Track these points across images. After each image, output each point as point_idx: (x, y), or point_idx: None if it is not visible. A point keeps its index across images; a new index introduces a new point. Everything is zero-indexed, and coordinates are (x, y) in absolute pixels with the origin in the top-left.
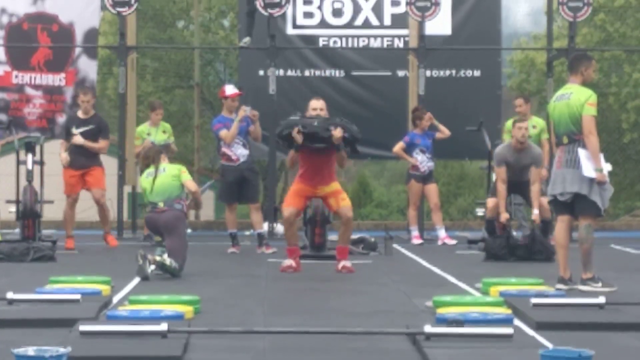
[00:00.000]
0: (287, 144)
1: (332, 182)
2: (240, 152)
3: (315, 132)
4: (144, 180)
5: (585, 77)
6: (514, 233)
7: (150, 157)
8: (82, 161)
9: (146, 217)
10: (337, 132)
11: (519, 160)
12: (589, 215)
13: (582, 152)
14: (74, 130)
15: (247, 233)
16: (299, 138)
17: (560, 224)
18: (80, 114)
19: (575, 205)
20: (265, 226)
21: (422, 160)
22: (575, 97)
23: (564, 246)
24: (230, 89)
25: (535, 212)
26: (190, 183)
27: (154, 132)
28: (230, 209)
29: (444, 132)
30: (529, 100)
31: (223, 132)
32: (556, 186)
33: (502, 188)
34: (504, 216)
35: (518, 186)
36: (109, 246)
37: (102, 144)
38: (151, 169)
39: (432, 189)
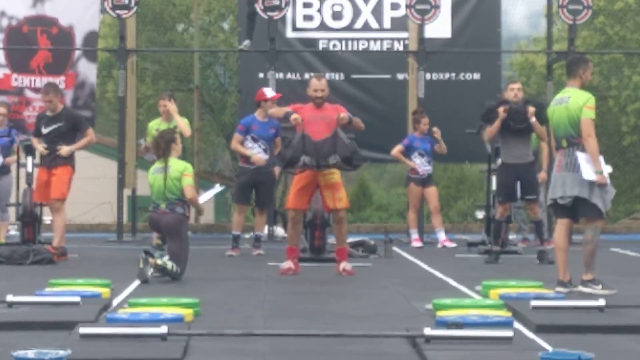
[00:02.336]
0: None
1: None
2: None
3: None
4: (151, 176)
5: (584, 80)
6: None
7: (161, 149)
8: (47, 160)
9: (148, 217)
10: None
11: (517, 114)
12: (591, 218)
13: (581, 156)
14: (43, 130)
15: (247, 236)
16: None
17: (560, 227)
18: (48, 112)
19: (576, 209)
20: (265, 229)
21: (421, 164)
22: (573, 100)
23: (564, 249)
24: (270, 92)
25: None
26: (188, 190)
27: (164, 127)
28: (239, 210)
29: (441, 148)
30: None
31: (237, 137)
32: (556, 190)
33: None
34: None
35: (520, 170)
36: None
37: (87, 137)
38: (159, 164)
39: (431, 192)
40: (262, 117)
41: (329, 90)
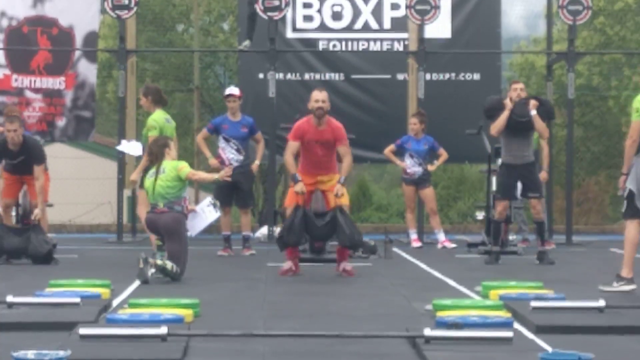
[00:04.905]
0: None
1: (333, 173)
2: (232, 157)
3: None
4: (147, 181)
5: None
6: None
7: (154, 154)
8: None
9: (146, 218)
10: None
11: (521, 112)
12: None
13: None
14: (10, 162)
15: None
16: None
17: (637, 226)
18: (10, 145)
19: None
20: (265, 230)
21: (411, 164)
22: None
23: (636, 245)
24: (226, 90)
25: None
26: (190, 175)
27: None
28: (224, 212)
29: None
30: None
31: (202, 132)
32: None
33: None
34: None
35: (520, 170)
36: None
37: (36, 173)
38: (154, 169)
39: (427, 194)
40: (233, 116)
41: (330, 91)
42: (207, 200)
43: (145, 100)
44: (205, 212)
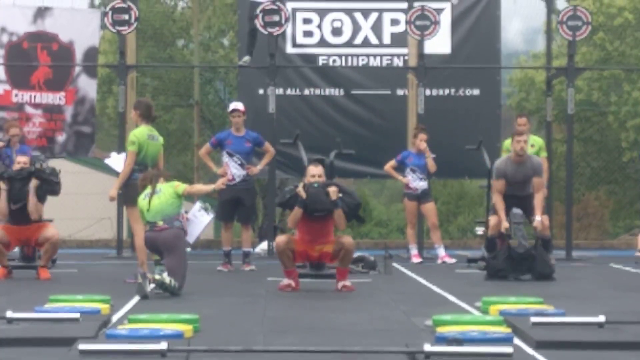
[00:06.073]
0: (289, 207)
1: (329, 244)
2: (235, 172)
3: (315, 196)
4: (142, 202)
5: None
6: None
7: (147, 179)
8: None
9: (145, 236)
10: (332, 189)
11: (519, 172)
12: None
13: None
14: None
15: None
16: (303, 193)
17: None
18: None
19: None
20: (265, 245)
21: (412, 179)
22: None
23: None
24: (231, 105)
25: (537, 218)
26: (187, 189)
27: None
28: (225, 228)
29: (429, 165)
30: (529, 119)
31: (205, 147)
32: None
33: (498, 199)
34: (505, 224)
35: (520, 200)
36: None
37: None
38: (148, 190)
39: (429, 209)
40: (237, 131)
41: (330, 106)
42: (197, 205)
43: (134, 113)
44: (198, 217)
